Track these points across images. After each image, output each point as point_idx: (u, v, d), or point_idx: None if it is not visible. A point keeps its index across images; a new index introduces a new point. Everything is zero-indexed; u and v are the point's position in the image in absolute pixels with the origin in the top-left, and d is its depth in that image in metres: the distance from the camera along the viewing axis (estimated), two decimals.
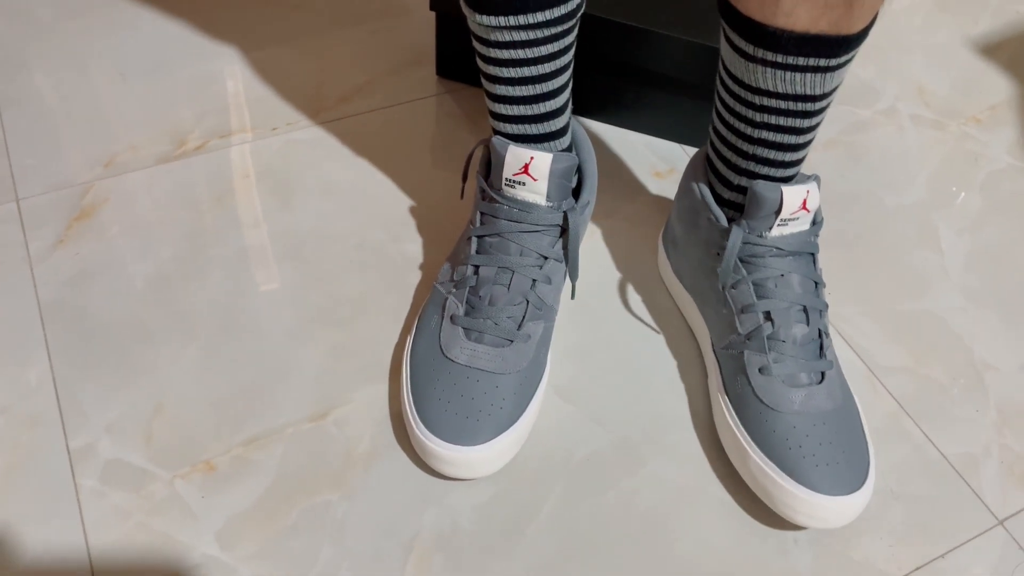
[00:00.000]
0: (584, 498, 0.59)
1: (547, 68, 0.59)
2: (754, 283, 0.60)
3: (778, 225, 0.58)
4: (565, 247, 0.61)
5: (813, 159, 0.83)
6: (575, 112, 0.85)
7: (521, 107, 0.60)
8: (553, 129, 0.62)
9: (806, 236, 0.60)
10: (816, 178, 0.60)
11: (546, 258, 0.61)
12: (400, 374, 0.62)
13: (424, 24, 0.93)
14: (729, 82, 0.57)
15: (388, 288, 0.70)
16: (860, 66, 0.94)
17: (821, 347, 0.59)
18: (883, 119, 0.89)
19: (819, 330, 0.59)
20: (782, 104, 0.55)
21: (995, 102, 0.92)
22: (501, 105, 0.61)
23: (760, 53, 0.53)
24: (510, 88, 0.60)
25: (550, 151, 0.59)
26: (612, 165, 0.82)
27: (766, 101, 0.55)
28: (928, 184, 0.83)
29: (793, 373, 0.58)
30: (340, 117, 0.83)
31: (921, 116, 0.90)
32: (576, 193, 0.64)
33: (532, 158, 0.58)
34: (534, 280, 0.60)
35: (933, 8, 1.03)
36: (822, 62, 0.52)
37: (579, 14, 0.59)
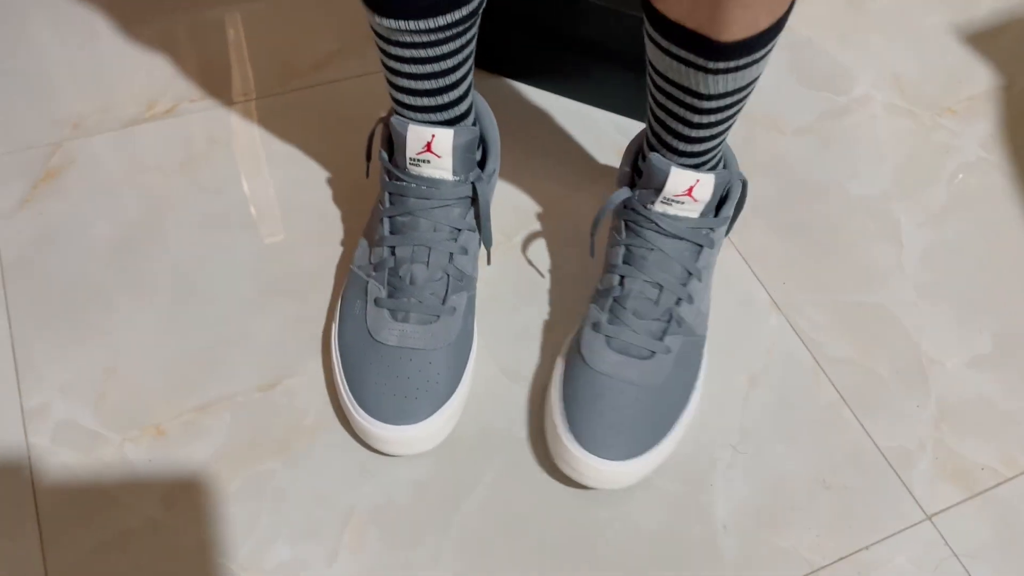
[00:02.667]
0: (519, 477, 0.61)
1: (449, 63, 0.58)
2: (626, 247, 0.61)
3: (661, 202, 0.59)
4: (477, 216, 0.62)
5: (785, 145, 0.83)
6: (544, 86, 0.85)
7: (424, 98, 0.60)
8: (457, 114, 0.62)
9: (692, 225, 0.60)
10: (725, 174, 0.59)
11: (459, 230, 0.62)
12: (331, 360, 0.63)
13: None
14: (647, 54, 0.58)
15: (347, 261, 0.71)
16: (839, 50, 0.93)
17: (664, 332, 0.60)
18: (857, 106, 0.89)
19: (670, 315, 0.60)
20: (671, 90, 0.56)
21: (974, 93, 0.91)
22: (404, 95, 0.60)
23: (650, 31, 0.54)
24: (412, 82, 0.59)
25: (450, 126, 0.59)
26: (576, 143, 0.82)
27: (660, 82, 0.57)
28: (894, 175, 0.83)
29: (621, 339, 0.60)
30: (313, 84, 0.83)
31: (895, 105, 0.89)
32: (483, 164, 0.65)
33: (434, 136, 0.58)
34: (451, 253, 0.61)
35: None
36: (699, 61, 0.52)
37: (480, 10, 0.57)
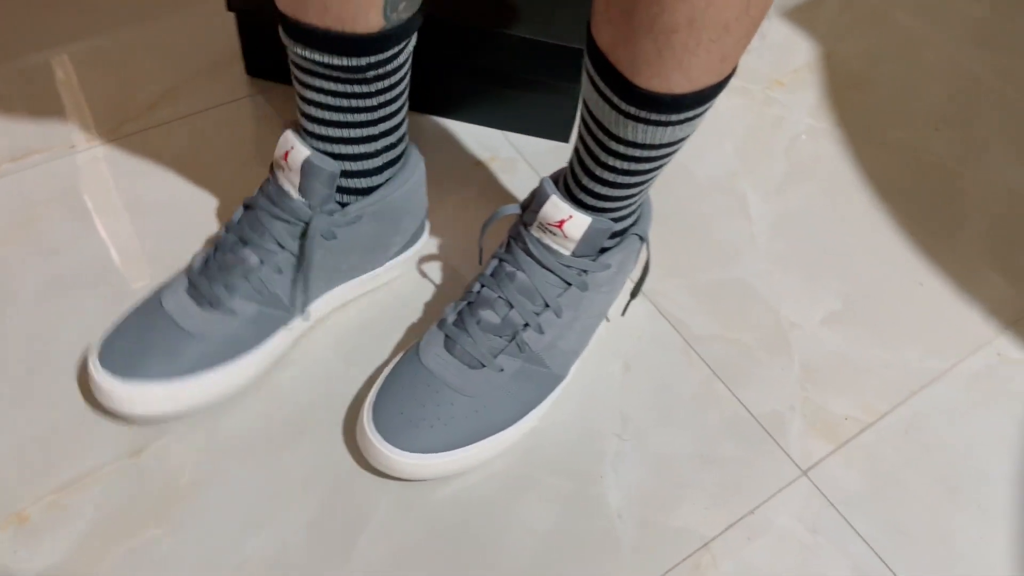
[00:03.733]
0: (414, 501, 0.60)
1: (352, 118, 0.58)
2: (499, 260, 0.62)
3: (538, 227, 0.60)
4: (301, 248, 0.61)
5: None
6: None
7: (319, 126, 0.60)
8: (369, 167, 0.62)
9: (563, 261, 0.60)
10: (604, 222, 0.58)
11: (282, 247, 0.61)
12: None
13: (225, 17, 0.90)
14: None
15: None
16: None
17: (502, 350, 0.60)
18: None
19: (512, 336, 0.60)
20: (590, 122, 0.55)
21: (798, 65, 0.97)
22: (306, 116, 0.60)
23: (585, 59, 0.53)
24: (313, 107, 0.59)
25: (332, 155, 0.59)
26: (441, 155, 0.82)
27: (584, 112, 0.56)
28: (736, 152, 0.87)
29: (458, 343, 0.61)
30: (146, 127, 0.80)
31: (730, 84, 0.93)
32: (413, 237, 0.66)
33: (292, 148, 0.58)
34: (261, 261, 0.61)
35: None
36: (613, 98, 0.51)
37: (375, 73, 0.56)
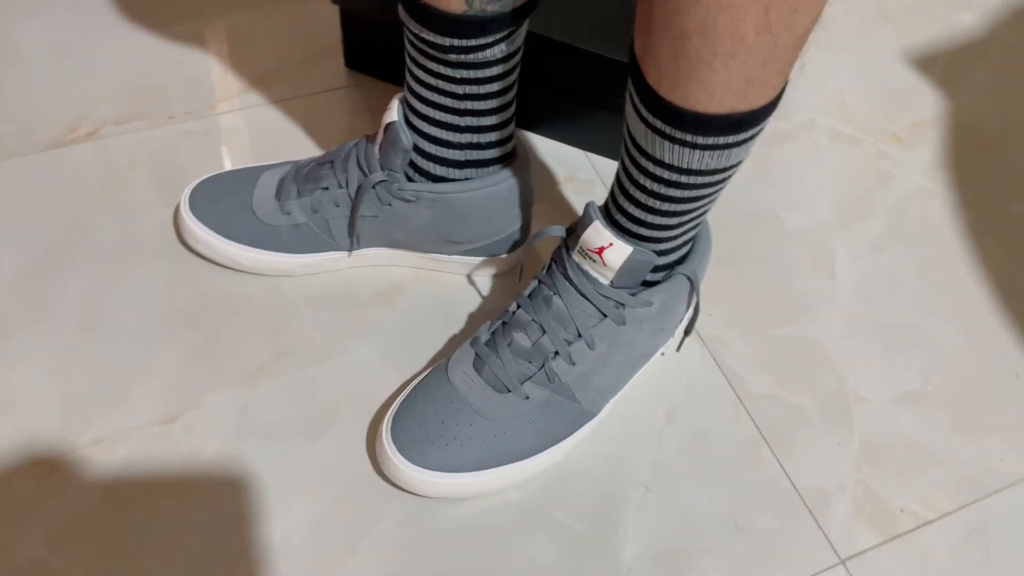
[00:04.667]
0: (422, 517, 0.59)
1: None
2: (538, 282, 0.60)
3: (578, 252, 0.57)
4: (355, 196, 0.65)
5: None
6: None
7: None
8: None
9: (601, 291, 0.57)
10: (647, 254, 0.55)
11: (345, 186, 0.65)
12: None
13: (331, 10, 0.91)
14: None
15: (258, 292, 0.69)
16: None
17: (530, 378, 0.59)
18: (800, 132, 0.87)
19: (542, 364, 0.58)
20: (631, 147, 0.53)
21: (919, 119, 0.90)
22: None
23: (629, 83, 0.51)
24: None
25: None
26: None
27: (625, 135, 0.54)
28: (833, 204, 0.81)
29: (487, 364, 0.59)
30: (241, 108, 0.82)
31: (839, 131, 0.88)
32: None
33: (389, 109, 0.62)
34: (326, 187, 0.66)
35: (871, 14, 1.01)
36: (652, 119, 0.49)
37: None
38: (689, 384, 0.68)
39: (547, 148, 0.82)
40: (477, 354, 0.60)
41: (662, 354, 0.68)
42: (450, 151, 0.63)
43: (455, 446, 0.58)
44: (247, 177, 0.69)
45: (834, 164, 0.85)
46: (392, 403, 0.62)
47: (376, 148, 0.63)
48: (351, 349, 0.67)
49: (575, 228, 0.58)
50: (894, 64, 0.95)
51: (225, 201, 0.68)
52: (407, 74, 0.61)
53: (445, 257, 0.69)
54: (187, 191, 0.69)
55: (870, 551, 0.60)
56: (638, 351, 0.61)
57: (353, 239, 0.67)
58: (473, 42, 0.56)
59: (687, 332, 0.65)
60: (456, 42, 0.56)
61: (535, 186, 0.79)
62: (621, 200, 0.56)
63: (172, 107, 0.81)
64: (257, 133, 0.80)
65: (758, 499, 0.62)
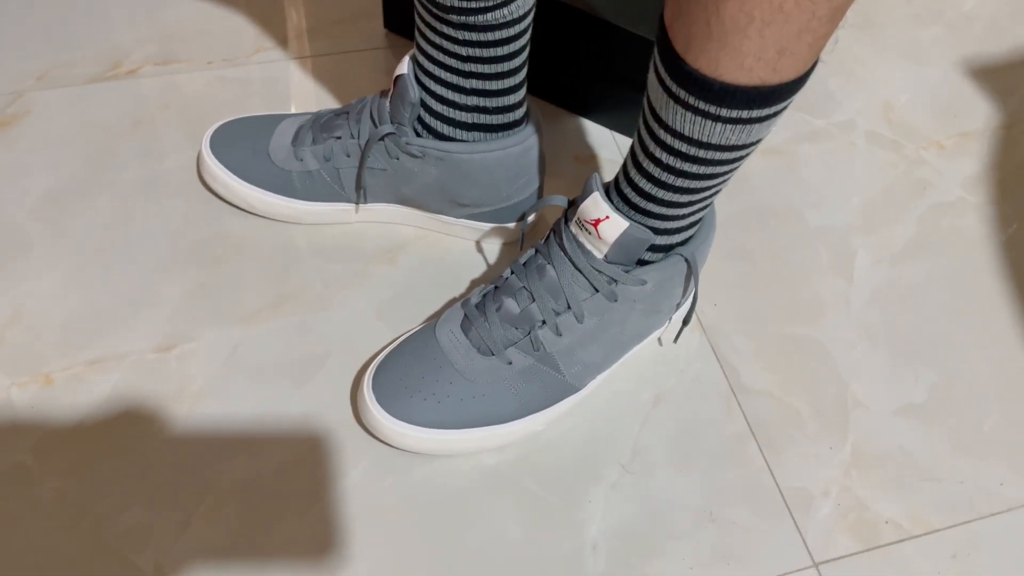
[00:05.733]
0: (394, 470, 0.60)
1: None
2: (535, 251, 0.60)
3: (576, 222, 0.57)
4: (364, 147, 0.66)
5: (748, 164, 0.80)
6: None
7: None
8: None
9: (595, 264, 0.57)
10: (642, 232, 0.54)
11: (355, 137, 0.66)
12: None
13: None
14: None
15: (268, 237, 0.71)
16: (828, 75, 0.89)
17: (514, 344, 0.59)
18: (837, 132, 0.85)
19: (528, 333, 0.58)
20: (648, 117, 0.52)
21: (967, 129, 0.86)
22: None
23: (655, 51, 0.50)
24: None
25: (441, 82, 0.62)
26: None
27: (644, 105, 0.53)
28: (862, 207, 0.79)
29: (474, 326, 0.59)
30: (277, 60, 0.83)
31: (879, 134, 0.85)
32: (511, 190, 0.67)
33: (401, 61, 0.63)
34: (339, 137, 0.67)
35: (930, 21, 0.97)
36: (672, 85, 0.48)
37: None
38: (683, 371, 0.66)
39: (572, 125, 0.82)
40: (466, 315, 0.60)
41: (659, 342, 0.67)
42: (457, 112, 0.63)
43: (432, 402, 0.58)
44: (267, 123, 0.70)
45: (869, 167, 0.82)
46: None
47: (387, 101, 0.64)
48: (349, 301, 0.67)
49: (576, 201, 0.58)
50: (948, 72, 0.91)
51: (244, 144, 0.70)
52: (416, 30, 0.61)
53: (452, 220, 0.69)
54: (209, 132, 0.71)
55: (847, 558, 0.59)
56: (629, 331, 0.61)
57: (360, 192, 0.67)
58: (474, 4, 0.56)
59: (685, 322, 0.64)
60: (457, 3, 0.56)
61: (547, 157, 0.78)
62: (633, 173, 0.55)
63: (211, 53, 0.83)
64: (290, 85, 0.81)
65: (737, 493, 0.61)
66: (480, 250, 0.72)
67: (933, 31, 0.96)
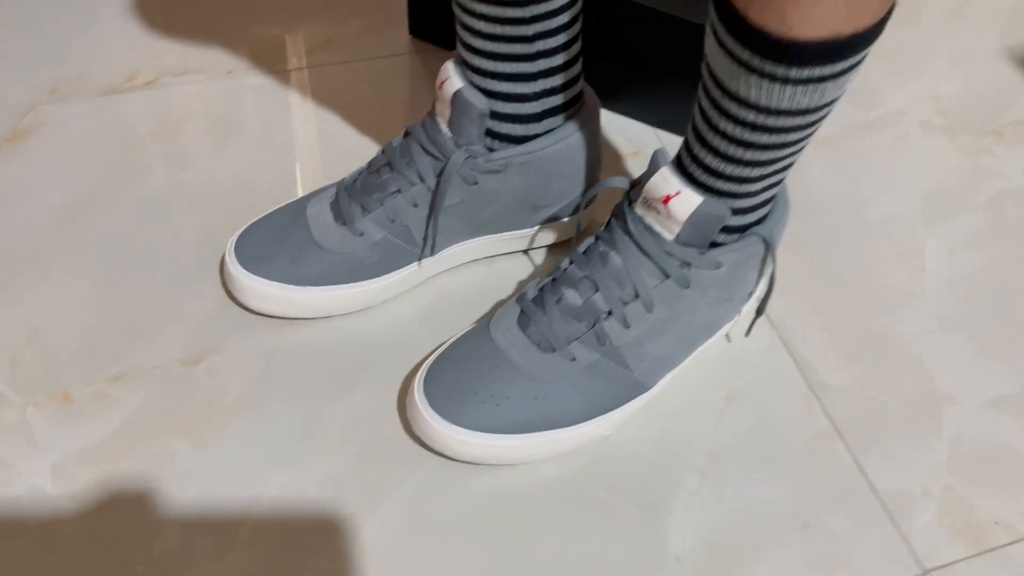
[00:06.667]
0: (449, 482, 0.54)
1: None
2: (595, 238, 0.55)
3: (642, 203, 0.52)
4: (437, 184, 0.58)
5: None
6: None
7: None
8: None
9: (665, 248, 0.52)
10: (719, 206, 0.50)
11: (421, 180, 0.58)
12: None
13: None
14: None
15: None
16: (871, 68, 0.86)
17: (577, 338, 0.53)
18: (887, 124, 0.81)
19: (593, 324, 0.53)
20: (712, 88, 0.48)
21: (1023, 118, 0.83)
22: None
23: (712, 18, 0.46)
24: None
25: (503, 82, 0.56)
26: None
27: (706, 78, 0.48)
28: (924, 198, 0.74)
29: (532, 321, 0.54)
30: (300, 67, 0.80)
31: (932, 123, 0.81)
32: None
33: (447, 79, 0.56)
34: (399, 189, 0.59)
35: (972, 15, 0.94)
36: (743, 54, 0.44)
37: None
38: (754, 368, 0.61)
39: (613, 122, 0.78)
40: (522, 310, 0.55)
41: (727, 339, 0.62)
42: (526, 105, 0.58)
43: (491, 404, 0.53)
44: (292, 212, 0.61)
45: (925, 157, 0.78)
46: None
47: (443, 125, 0.57)
48: (389, 306, 0.62)
49: (640, 180, 0.53)
50: (995, 64, 0.88)
51: (282, 246, 0.59)
52: (463, 35, 0.56)
53: (524, 232, 0.64)
54: (231, 244, 0.60)
55: (958, 563, 0.53)
56: (700, 321, 0.56)
57: (430, 242, 0.60)
58: None
59: (759, 312, 0.59)
60: None
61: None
62: (697, 149, 0.51)
63: (232, 63, 0.80)
64: (315, 92, 0.78)
65: (829, 498, 0.55)
66: (527, 252, 0.67)
67: (973, 24, 0.93)
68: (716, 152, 0.49)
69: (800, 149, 0.50)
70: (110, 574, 0.49)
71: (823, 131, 0.79)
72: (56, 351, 0.58)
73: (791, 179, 0.74)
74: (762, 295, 0.58)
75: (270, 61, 0.80)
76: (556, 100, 0.59)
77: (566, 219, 0.65)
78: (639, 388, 0.55)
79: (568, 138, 0.59)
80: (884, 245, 0.70)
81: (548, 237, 0.66)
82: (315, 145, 0.73)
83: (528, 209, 0.62)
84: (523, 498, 0.54)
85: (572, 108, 0.60)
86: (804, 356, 0.62)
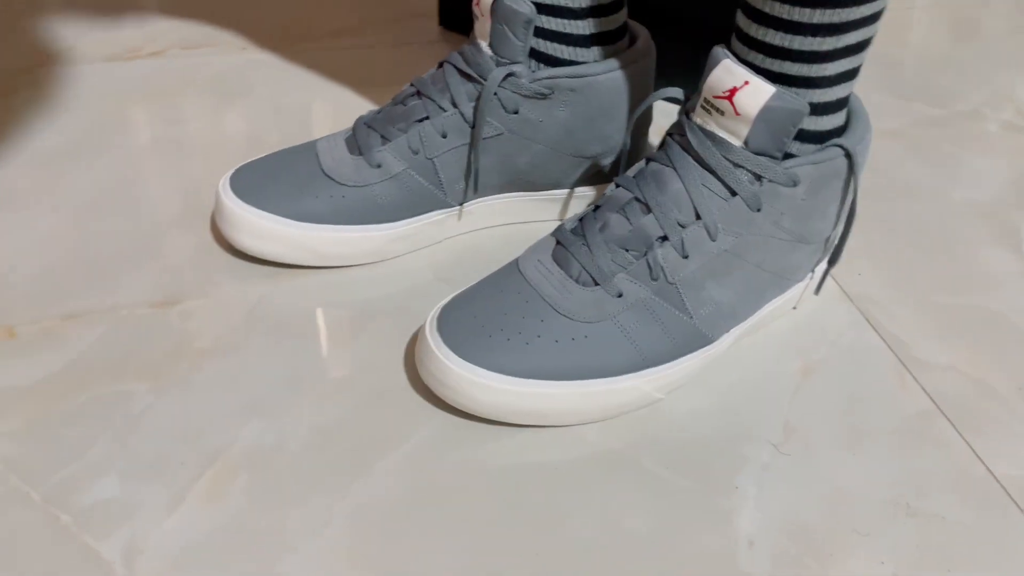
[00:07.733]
0: (463, 442, 0.43)
1: None
2: (647, 159, 0.46)
3: (702, 106, 0.43)
4: (475, 111, 0.50)
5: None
6: None
7: None
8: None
9: (729, 155, 0.43)
10: (798, 102, 0.42)
11: (455, 106, 0.50)
12: None
13: None
14: None
15: None
16: (938, 72, 0.79)
17: (625, 269, 0.44)
18: (961, 119, 0.73)
19: (644, 252, 0.44)
20: None
21: None
22: None
23: None
24: None
25: None
26: None
27: None
28: (1015, 182, 0.66)
29: (570, 252, 0.44)
30: (320, 48, 0.75)
31: (1011, 121, 0.73)
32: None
33: None
34: (428, 116, 0.50)
35: None
36: None
37: None
38: (833, 340, 0.51)
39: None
40: (559, 241, 0.46)
41: (794, 308, 0.53)
42: (573, 23, 0.51)
43: (519, 342, 0.43)
44: (299, 150, 0.53)
45: (1008, 148, 0.70)
46: None
47: (484, 45, 0.50)
48: (404, 257, 0.54)
49: (697, 89, 0.45)
50: None
51: (282, 179, 0.51)
52: None
53: (559, 194, 0.56)
54: (226, 176, 0.52)
55: None
56: (769, 264, 0.46)
57: (470, 183, 0.52)
58: None
59: (833, 259, 0.49)
60: None
61: None
62: (753, 30, 0.43)
63: (247, 41, 0.75)
64: (335, 70, 0.72)
65: (938, 482, 0.44)
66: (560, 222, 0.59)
67: None
68: (779, 22, 0.42)
69: (872, 17, 0.42)
70: (31, 522, 0.38)
71: (894, 123, 0.72)
72: (10, 284, 0.50)
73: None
74: (838, 238, 0.49)
75: (291, 40, 0.75)
76: (603, 25, 0.52)
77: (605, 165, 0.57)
78: (700, 340, 0.45)
79: (623, 69, 0.52)
80: (970, 226, 0.61)
81: (584, 203, 0.58)
82: (329, 115, 0.67)
83: (568, 157, 0.54)
84: (554, 466, 0.43)
85: (622, 41, 0.54)
86: (893, 332, 0.52)
